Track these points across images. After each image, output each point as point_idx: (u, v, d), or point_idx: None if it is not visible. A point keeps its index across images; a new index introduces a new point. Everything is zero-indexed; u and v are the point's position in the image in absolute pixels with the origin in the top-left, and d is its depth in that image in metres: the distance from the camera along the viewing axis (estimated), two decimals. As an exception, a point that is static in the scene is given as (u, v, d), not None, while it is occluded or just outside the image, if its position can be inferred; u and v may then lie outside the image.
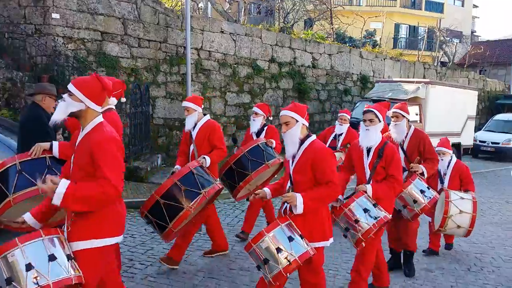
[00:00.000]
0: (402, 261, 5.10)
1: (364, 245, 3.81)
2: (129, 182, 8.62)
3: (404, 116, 4.79)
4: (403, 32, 31.55)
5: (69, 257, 2.61)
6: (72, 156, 2.89)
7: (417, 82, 13.43)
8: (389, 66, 18.84)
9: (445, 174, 5.57)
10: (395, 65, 19.21)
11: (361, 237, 3.72)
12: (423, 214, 4.82)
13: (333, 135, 6.89)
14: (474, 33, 41.47)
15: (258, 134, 5.87)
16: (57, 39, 9.59)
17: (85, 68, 9.75)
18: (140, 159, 9.64)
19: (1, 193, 3.33)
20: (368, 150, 4.05)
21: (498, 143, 16.82)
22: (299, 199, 3.26)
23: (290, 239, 3.19)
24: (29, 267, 2.46)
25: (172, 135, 11.61)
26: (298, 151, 3.41)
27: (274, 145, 5.43)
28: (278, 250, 3.14)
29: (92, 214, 2.74)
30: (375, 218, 3.77)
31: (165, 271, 4.76)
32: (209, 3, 18.57)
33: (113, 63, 10.51)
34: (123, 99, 4.49)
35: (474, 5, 39.19)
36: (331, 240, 3.49)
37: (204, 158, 4.76)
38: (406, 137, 4.87)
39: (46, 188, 2.60)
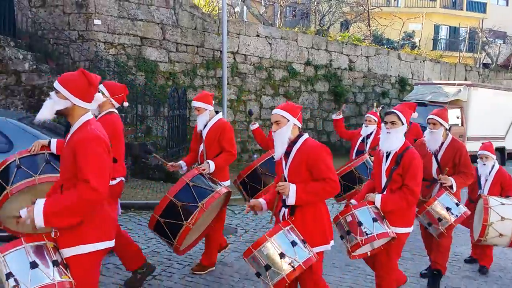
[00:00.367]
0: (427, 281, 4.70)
1: (368, 254, 3.57)
2: (166, 183, 8.79)
3: (441, 124, 4.49)
4: (443, 33, 30.68)
5: (55, 263, 2.52)
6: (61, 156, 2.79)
7: (458, 85, 13.03)
8: (429, 68, 18.36)
9: (486, 180, 5.18)
10: (435, 67, 18.70)
11: (349, 249, 3.48)
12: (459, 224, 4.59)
13: (361, 138, 6.49)
14: (519, 33, 39.77)
15: None
16: (99, 45, 9.93)
17: (125, 72, 10.04)
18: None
19: (1, 188, 3.48)
20: (388, 156, 3.71)
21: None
22: (292, 188, 3.14)
23: (294, 243, 3.04)
24: (8, 276, 2.42)
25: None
26: (291, 151, 3.27)
27: None
28: (282, 255, 2.98)
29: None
30: (366, 234, 3.41)
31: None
32: (245, 7, 18.73)
33: (152, 68, 10.76)
34: (126, 104, 4.55)
35: (519, 4, 37.63)
36: (332, 242, 3.34)
37: (208, 163, 4.50)
38: (441, 146, 4.56)
39: (24, 217, 2.50)
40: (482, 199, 4.91)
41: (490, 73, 21.63)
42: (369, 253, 3.60)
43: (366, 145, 6.43)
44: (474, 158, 4.89)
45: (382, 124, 3.79)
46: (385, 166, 3.70)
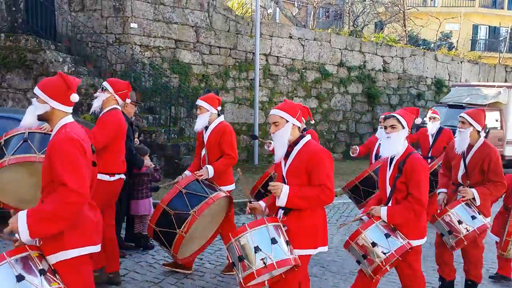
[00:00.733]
0: None
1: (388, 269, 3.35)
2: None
3: (471, 124, 4.16)
4: (482, 34, 29.69)
5: (42, 272, 2.43)
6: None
7: (498, 86, 12.57)
8: (467, 70, 17.82)
9: None
10: (473, 68, 18.13)
11: (371, 273, 3.30)
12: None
13: (378, 141, 6.05)
14: None
15: None
16: (135, 48, 10.17)
17: (160, 75, 10.24)
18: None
19: (1, 155, 3.53)
20: (391, 163, 3.50)
21: None
22: (284, 190, 3.01)
23: (273, 241, 2.90)
24: None
25: (239, 139, 11.81)
26: (291, 152, 3.15)
27: None
28: (256, 249, 2.86)
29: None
30: (384, 254, 3.24)
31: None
32: (277, 8, 18.74)
33: (186, 70, 10.93)
34: (129, 100, 4.58)
35: None
36: (321, 249, 3.20)
37: (206, 168, 4.40)
38: (470, 149, 4.23)
39: (9, 229, 2.42)
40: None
41: (533, 74, 20.77)
42: (389, 268, 3.41)
43: None
44: None
45: (381, 129, 3.62)
46: (388, 174, 3.50)
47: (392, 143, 3.44)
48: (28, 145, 3.56)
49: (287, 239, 3.00)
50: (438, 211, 4.24)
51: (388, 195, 3.48)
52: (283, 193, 3.02)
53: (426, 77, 16.28)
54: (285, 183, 3.16)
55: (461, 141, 4.22)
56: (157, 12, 10.48)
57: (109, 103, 4.30)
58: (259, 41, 11.52)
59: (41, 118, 2.69)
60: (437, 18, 22.29)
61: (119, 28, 10.22)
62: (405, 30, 20.95)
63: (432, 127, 6.90)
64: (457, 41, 23.44)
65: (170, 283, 4.52)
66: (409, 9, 22.36)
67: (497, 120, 11.89)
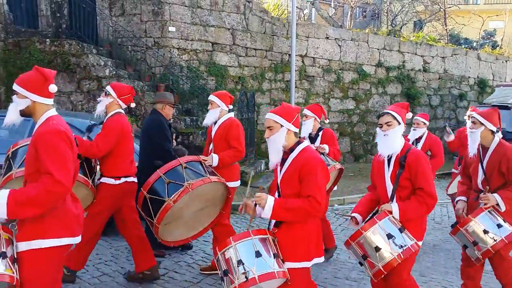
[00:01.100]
0: None
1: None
2: (241, 186, 8.92)
3: (482, 124, 3.84)
4: (529, 31, 28.40)
5: (2, 255, 2.46)
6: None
7: (546, 86, 11.99)
8: (512, 69, 17.09)
9: None
10: (520, 67, 17.37)
11: (381, 268, 3.07)
12: None
13: (410, 142, 5.97)
14: None
15: (313, 139, 5.31)
16: (173, 51, 10.34)
17: (197, 77, 10.37)
18: (245, 164, 9.94)
19: (9, 168, 3.61)
20: (390, 160, 3.33)
21: None
22: (269, 202, 2.86)
23: (257, 254, 2.80)
24: None
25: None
26: (287, 160, 2.98)
27: (326, 151, 4.88)
28: (239, 262, 2.78)
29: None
30: (401, 246, 3.06)
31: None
32: (313, 9, 18.61)
33: (222, 72, 11.02)
34: (133, 104, 4.57)
35: None
36: (316, 260, 3.02)
37: (211, 156, 4.39)
38: (487, 152, 3.90)
39: None
40: None
41: None
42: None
43: None
44: None
45: (377, 128, 3.44)
46: (388, 171, 3.32)
47: (390, 140, 3.27)
48: None
49: (276, 251, 2.88)
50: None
51: (390, 194, 3.30)
52: (267, 205, 2.85)
53: (469, 77, 15.72)
54: (279, 191, 3.05)
55: (472, 142, 3.93)
56: (195, 15, 10.62)
57: (113, 108, 4.31)
58: (295, 42, 11.47)
59: (24, 113, 2.71)
60: (479, 16, 21.51)
61: (157, 32, 10.42)
62: (446, 29, 20.32)
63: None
64: (502, 39, 22.51)
65: (209, 283, 4.55)
66: (450, 7, 21.68)
67: (546, 121, 11.34)
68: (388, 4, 20.82)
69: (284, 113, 2.99)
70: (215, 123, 4.67)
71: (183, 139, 8.95)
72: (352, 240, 3.21)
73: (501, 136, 3.93)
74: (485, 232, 3.63)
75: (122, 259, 5.11)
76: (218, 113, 4.65)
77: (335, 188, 5.17)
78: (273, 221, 3.03)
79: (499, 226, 3.65)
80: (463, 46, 17.86)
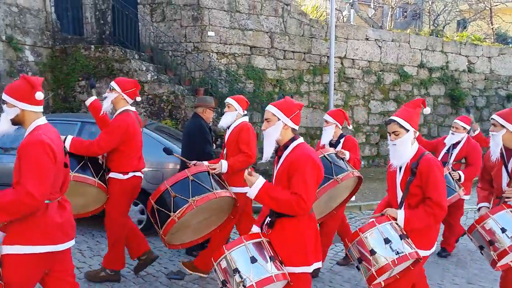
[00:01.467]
0: None
1: (382, 284, 3.02)
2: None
3: (503, 126, 3.60)
4: None
5: None
6: None
7: None
8: None
9: None
10: None
11: (374, 273, 2.93)
12: None
13: (446, 148, 5.58)
14: None
15: (333, 147, 4.95)
16: (212, 55, 10.47)
17: (235, 80, 10.44)
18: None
19: None
20: (402, 166, 3.18)
21: None
22: (257, 183, 2.78)
23: (253, 260, 2.72)
24: None
25: (313, 143, 11.69)
26: (281, 156, 2.90)
27: (347, 157, 4.56)
28: (235, 271, 2.70)
29: (21, 220, 2.61)
30: (397, 253, 2.90)
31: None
32: (352, 10, 18.38)
33: (260, 75, 11.05)
34: (139, 98, 4.55)
35: None
36: (316, 265, 2.91)
37: (221, 163, 4.30)
38: (511, 154, 3.66)
39: None
40: None
41: None
42: (383, 283, 3.05)
43: (451, 156, 5.49)
44: None
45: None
46: (399, 178, 3.16)
47: (398, 150, 3.09)
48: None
49: (272, 254, 2.80)
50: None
51: (400, 201, 3.14)
52: (254, 186, 2.79)
53: (517, 77, 15.04)
54: None
55: (494, 146, 3.69)
56: (233, 19, 10.71)
57: (119, 104, 4.34)
58: (334, 44, 11.35)
59: (15, 122, 2.74)
60: (529, 13, 20.55)
61: (197, 36, 10.58)
62: (492, 28, 19.54)
63: None
64: (553, 37, 21.40)
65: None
66: (496, 5, 20.84)
67: None
68: (430, 3, 20.25)
69: (284, 107, 2.90)
70: (228, 127, 4.61)
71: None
72: (350, 242, 3.12)
73: None
74: (503, 230, 3.38)
75: (165, 259, 5.20)
76: (234, 116, 4.58)
77: (353, 198, 4.77)
78: (267, 220, 2.95)
79: None
80: (510, 46, 17.11)
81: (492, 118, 3.74)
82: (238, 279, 2.68)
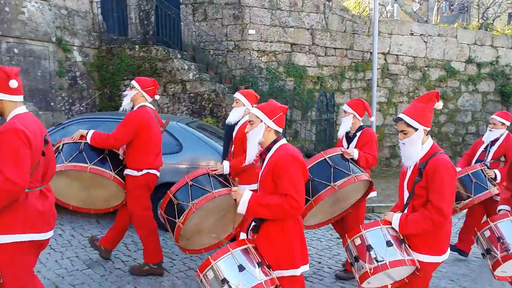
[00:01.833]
0: None
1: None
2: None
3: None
4: None
5: None
6: None
7: None
8: None
9: None
10: None
11: (358, 281, 2.91)
12: None
13: (483, 145, 5.24)
14: None
15: (350, 139, 4.65)
16: (252, 53, 10.49)
17: (276, 78, 10.42)
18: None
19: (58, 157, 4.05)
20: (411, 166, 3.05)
21: None
22: (245, 196, 2.75)
23: (241, 268, 2.66)
24: None
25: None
26: (265, 158, 2.85)
27: (355, 157, 4.25)
28: (224, 281, 2.63)
29: (2, 209, 2.61)
30: (377, 261, 2.79)
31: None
32: (396, 5, 17.89)
33: (301, 73, 10.97)
34: (157, 97, 4.58)
35: None
36: (304, 268, 2.85)
37: (222, 164, 4.20)
38: None
39: None
40: None
41: None
42: (389, 286, 2.96)
43: (488, 154, 5.15)
44: None
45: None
46: (407, 177, 3.01)
47: (407, 150, 2.92)
48: (60, 157, 4.08)
49: (259, 259, 2.75)
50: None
51: (405, 202, 2.98)
52: (243, 200, 2.76)
53: None
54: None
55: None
56: (274, 17, 10.68)
57: (138, 101, 4.43)
58: (377, 40, 11.08)
59: None
60: None
61: (238, 35, 10.63)
62: (547, 19, 18.50)
63: None
64: None
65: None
66: (552, -5, 19.72)
67: None
68: (479, -5, 19.44)
69: (267, 109, 2.89)
70: (236, 123, 4.47)
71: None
72: (343, 245, 3.07)
73: None
74: (499, 239, 3.20)
75: (206, 255, 5.25)
76: (242, 112, 4.44)
77: (374, 194, 4.56)
78: (251, 225, 2.92)
79: None
80: None
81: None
82: None
